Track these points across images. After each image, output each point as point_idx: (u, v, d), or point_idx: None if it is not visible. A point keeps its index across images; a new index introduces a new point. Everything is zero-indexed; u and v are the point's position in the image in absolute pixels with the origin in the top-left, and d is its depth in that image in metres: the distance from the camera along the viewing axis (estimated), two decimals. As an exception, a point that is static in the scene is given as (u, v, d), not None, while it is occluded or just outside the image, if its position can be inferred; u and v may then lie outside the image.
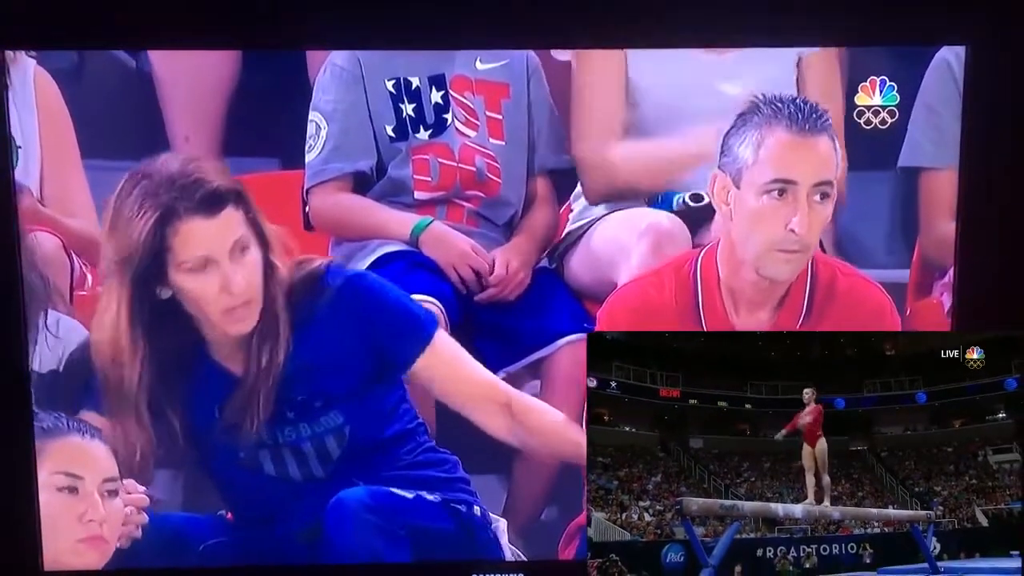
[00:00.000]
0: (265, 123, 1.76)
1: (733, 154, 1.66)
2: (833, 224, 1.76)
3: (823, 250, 1.76)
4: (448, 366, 1.73)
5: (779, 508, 1.69)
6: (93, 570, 1.67)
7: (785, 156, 1.63)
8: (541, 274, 1.83)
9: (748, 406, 1.82)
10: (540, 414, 1.75)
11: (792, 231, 1.63)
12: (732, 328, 1.72)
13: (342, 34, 1.63)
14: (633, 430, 1.78)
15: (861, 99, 1.72)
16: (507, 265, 1.79)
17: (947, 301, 1.80)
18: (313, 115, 1.75)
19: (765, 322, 1.72)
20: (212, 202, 1.59)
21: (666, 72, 1.74)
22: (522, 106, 1.78)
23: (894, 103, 1.72)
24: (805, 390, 1.71)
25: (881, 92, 1.71)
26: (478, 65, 1.76)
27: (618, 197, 1.80)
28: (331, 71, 1.74)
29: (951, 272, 1.77)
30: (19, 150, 1.64)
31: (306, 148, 1.75)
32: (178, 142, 1.74)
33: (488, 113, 1.77)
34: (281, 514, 1.72)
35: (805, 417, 1.71)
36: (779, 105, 1.63)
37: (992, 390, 1.72)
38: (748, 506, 1.67)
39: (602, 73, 1.76)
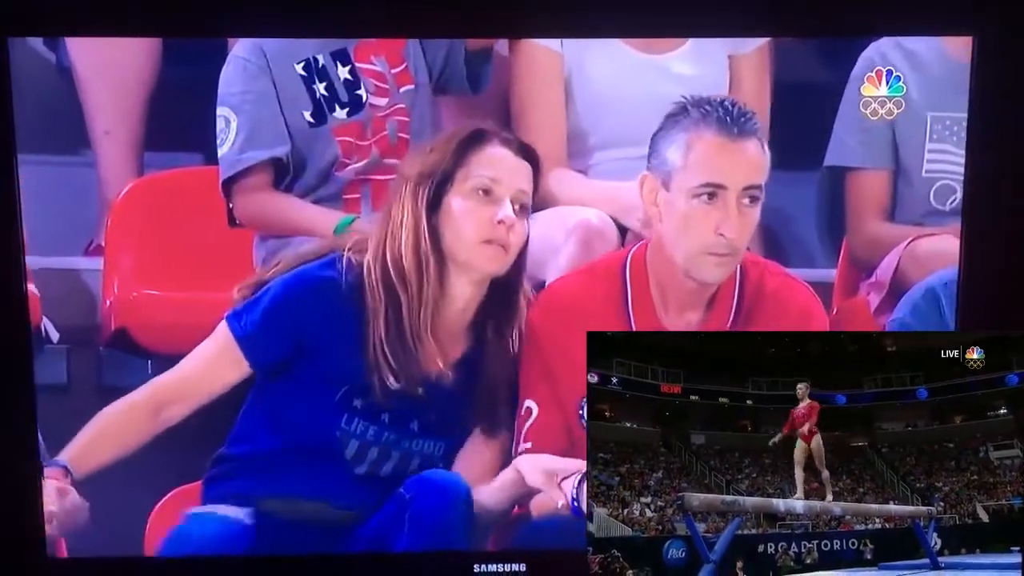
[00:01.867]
0: (187, 118, 1.76)
1: (662, 156, 1.64)
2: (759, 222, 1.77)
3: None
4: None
5: (780, 504, 1.68)
6: (98, 557, 1.67)
7: (715, 160, 1.62)
8: None
9: (749, 402, 1.82)
10: None
11: (722, 235, 1.62)
12: (662, 327, 1.71)
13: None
14: (634, 426, 1.78)
15: (867, 90, 1.73)
16: None
17: (874, 300, 1.82)
18: (221, 110, 1.73)
19: (695, 323, 1.71)
20: (518, 146, 1.65)
21: (601, 69, 1.75)
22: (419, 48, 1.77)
23: (900, 93, 1.73)
24: (799, 385, 1.71)
25: (887, 83, 1.72)
26: None
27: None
28: (234, 64, 1.73)
29: (877, 271, 1.81)
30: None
31: (218, 144, 1.74)
32: (98, 136, 1.75)
33: (392, 70, 1.77)
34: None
35: (801, 418, 1.71)
36: (708, 108, 1.62)
37: (993, 386, 1.72)
38: (749, 502, 1.66)
39: (542, 75, 1.77)
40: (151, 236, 1.79)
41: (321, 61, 1.74)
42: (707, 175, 1.62)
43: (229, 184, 1.76)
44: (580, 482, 1.64)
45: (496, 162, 1.64)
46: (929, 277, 1.76)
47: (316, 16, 1.62)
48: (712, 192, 1.62)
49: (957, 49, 1.70)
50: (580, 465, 1.65)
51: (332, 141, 1.76)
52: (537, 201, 1.76)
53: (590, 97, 1.78)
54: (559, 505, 1.65)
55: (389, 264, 1.64)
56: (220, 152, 1.75)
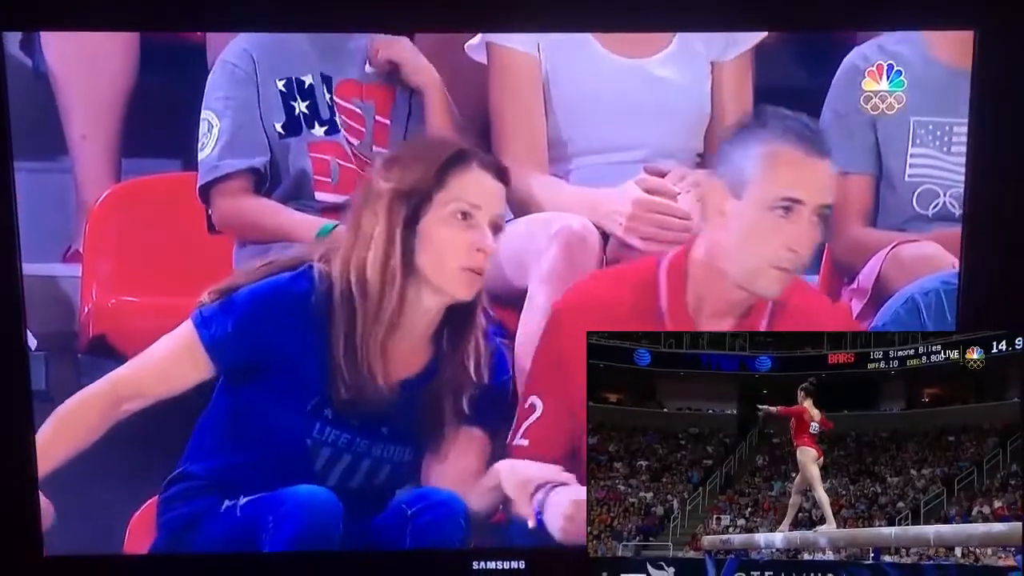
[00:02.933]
0: (165, 123, 1.76)
1: (736, 165, 1.63)
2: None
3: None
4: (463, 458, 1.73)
5: (760, 539, 1.66)
6: (91, 555, 1.67)
7: (796, 174, 1.62)
8: None
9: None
10: None
11: (793, 251, 1.62)
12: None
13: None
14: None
15: (868, 84, 1.72)
16: None
17: (856, 306, 1.81)
18: (205, 113, 1.73)
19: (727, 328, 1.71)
20: (497, 169, 1.65)
21: (580, 73, 1.74)
22: (403, 115, 1.79)
23: (901, 88, 1.72)
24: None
25: (888, 77, 1.72)
26: (368, 69, 1.77)
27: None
28: (222, 68, 1.73)
29: (859, 277, 1.80)
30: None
31: (199, 147, 1.74)
32: (75, 141, 1.75)
33: (377, 117, 1.78)
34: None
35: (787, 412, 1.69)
36: (789, 122, 1.62)
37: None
38: (737, 539, 1.67)
39: (519, 81, 1.76)
40: (129, 242, 1.78)
41: (308, 81, 1.74)
42: (788, 189, 1.61)
43: (207, 189, 1.76)
44: (549, 492, 1.63)
45: (477, 186, 1.63)
46: (909, 286, 1.76)
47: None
48: (789, 207, 1.61)
49: (940, 52, 1.70)
50: (557, 474, 1.65)
51: (306, 156, 1.76)
52: (518, 207, 1.76)
53: (569, 102, 1.77)
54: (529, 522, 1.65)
55: (352, 276, 1.63)
56: (200, 155, 1.74)
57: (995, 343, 1.65)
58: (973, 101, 1.64)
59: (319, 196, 1.77)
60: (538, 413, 1.71)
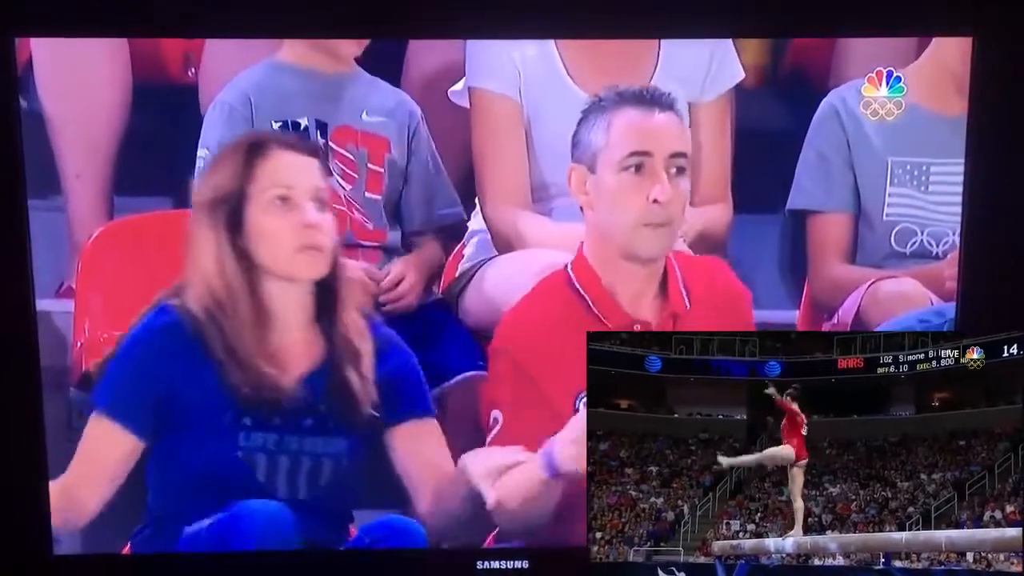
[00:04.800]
0: (157, 163, 1.78)
1: (584, 142, 1.66)
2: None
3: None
4: (421, 450, 1.74)
5: (770, 543, 1.68)
6: (101, 554, 1.70)
7: (637, 130, 1.63)
8: (437, 310, 1.85)
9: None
10: None
11: (656, 201, 1.63)
12: (632, 320, 1.71)
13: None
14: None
15: (868, 90, 1.74)
16: (403, 274, 1.81)
17: None
18: (201, 151, 1.75)
19: (658, 309, 1.72)
20: (299, 145, 1.67)
21: (561, 116, 1.75)
22: (401, 166, 1.81)
23: (900, 95, 1.74)
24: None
25: (888, 84, 1.73)
26: (364, 117, 1.79)
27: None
28: (220, 108, 1.75)
29: (839, 313, 1.82)
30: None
31: (193, 185, 1.74)
32: (69, 179, 1.78)
33: (370, 165, 1.79)
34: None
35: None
36: (622, 91, 1.64)
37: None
38: (747, 544, 1.67)
39: (501, 123, 1.79)
40: (121, 279, 1.80)
41: (303, 124, 1.76)
42: (632, 145, 1.63)
43: None
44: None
45: (285, 168, 1.65)
46: (887, 323, 1.78)
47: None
48: (639, 162, 1.63)
49: (920, 97, 1.73)
50: (521, 455, 1.67)
51: None
52: (503, 243, 1.79)
53: (550, 143, 1.79)
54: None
55: (205, 298, 1.65)
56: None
57: (1005, 347, 1.65)
58: (970, 105, 1.66)
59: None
60: (500, 426, 1.73)
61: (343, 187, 1.79)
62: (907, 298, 1.79)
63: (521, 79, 1.77)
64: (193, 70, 1.81)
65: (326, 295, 1.69)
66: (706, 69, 1.79)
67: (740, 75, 1.79)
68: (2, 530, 1.72)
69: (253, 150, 1.65)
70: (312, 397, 1.69)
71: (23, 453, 1.69)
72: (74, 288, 1.82)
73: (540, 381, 1.70)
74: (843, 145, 1.79)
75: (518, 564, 1.75)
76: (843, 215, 1.84)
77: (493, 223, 1.81)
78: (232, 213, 1.64)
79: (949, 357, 1.69)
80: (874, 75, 1.72)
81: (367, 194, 1.80)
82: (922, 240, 1.82)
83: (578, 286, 1.71)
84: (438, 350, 1.80)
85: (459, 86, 1.80)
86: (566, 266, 1.72)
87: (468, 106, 1.80)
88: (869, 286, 1.82)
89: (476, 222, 1.85)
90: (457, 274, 1.87)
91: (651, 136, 1.63)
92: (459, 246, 1.87)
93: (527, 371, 1.70)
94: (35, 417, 1.69)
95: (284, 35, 1.74)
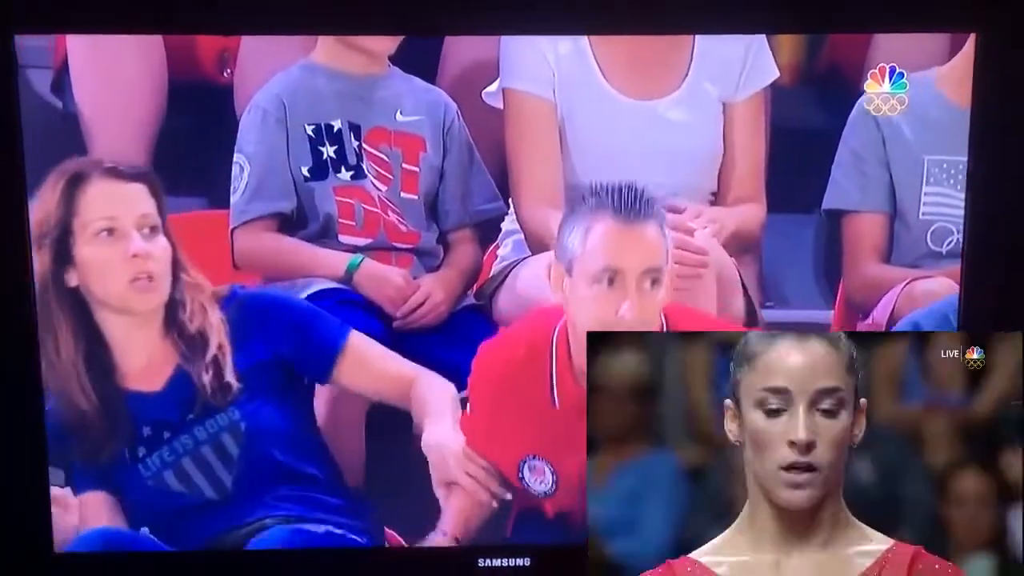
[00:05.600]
0: (191, 162, 1.78)
1: (564, 244, 1.65)
2: (758, 264, 1.80)
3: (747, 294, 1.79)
4: (367, 371, 1.75)
5: None
6: (103, 552, 1.71)
7: (612, 245, 1.62)
8: (470, 311, 1.84)
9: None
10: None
11: (622, 318, 1.62)
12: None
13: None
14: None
15: (871, 87, 1.73)
16: (429, 294, 1.81)
17: None
18: (237, 157, 1.75)
19: None
20: (121, 172, 1.65)
21: (595, 117, 1.76)
22: (437, 163, 1.81)
23: (903, 91, 1.73)
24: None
25: (891, 80, 1.73)
26: (398, 117, 1.79)
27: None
28: (254, 112, 1.75)
29: (874, 313, 1.81)
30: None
31: (232, 190, 1.76)
32: None
33: (405, 165, 1.79)
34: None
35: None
36: (602, 195, 1.62)
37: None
38: None
39: (535, 124, 1.79)
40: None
41: (336, 126, 1.77)
42: (606, 259, 1.62)
43: (235, 232, 1.79)
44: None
45: (106, 199, 1.64)
46: (912, 312, 1.78)
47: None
48: (611, 277, 1.62)
49: (954, 93, 1.71)
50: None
51: (331, 199, 1.78)
52: (536, 243, 1.79)
53: (584, 144, 1.79)
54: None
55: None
56: (232, 199, 1.77)
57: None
58: (974, 103, 1.66)
59: (343, 239, 1.79)
60: (468, 410, 1.75)
61: (378, 188, 1.79)
62: (942, 298, 1.77)
63: (556, 79, 1.77)
64: (229, 71, 1.82)
65: (172, 311, 1.70)
66: (741, 67, 1.78)
67: (775, 73, 1.78)
68: (3, 528, 1.73)
69: (72, 183, 1.63)
70: (185, 392, 1.70)
71: (23, 447, 1.70)
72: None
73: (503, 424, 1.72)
74: (878, 144, 1.79)
75: (520, 562, 1.75)
76: (879, 214, 1.83)
77: (527, 223, 1.81)
78: (60, 248, 1.64)
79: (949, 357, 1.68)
80: (877, 71, 1.72)
81: (403, 194, 1.80)
82: (958, 239, 1.80)
83: (554, 348, 1.71)
84: (470, 351, 1.79)
85: (493, 87, 1.80)
86: (555, 327, 1.71)
87: (502, 107, 1.80)
88: (905, 286, 1.81)
89: (509, 223, 1.86)
90: (491, 274, 1.87)
91: (625, 252, 1.61)
92: (492, 247, 1.88)
93: (493, 409, 1.73)
94: (35, 417, 1.69)
95: (317, 32, 1.74)
